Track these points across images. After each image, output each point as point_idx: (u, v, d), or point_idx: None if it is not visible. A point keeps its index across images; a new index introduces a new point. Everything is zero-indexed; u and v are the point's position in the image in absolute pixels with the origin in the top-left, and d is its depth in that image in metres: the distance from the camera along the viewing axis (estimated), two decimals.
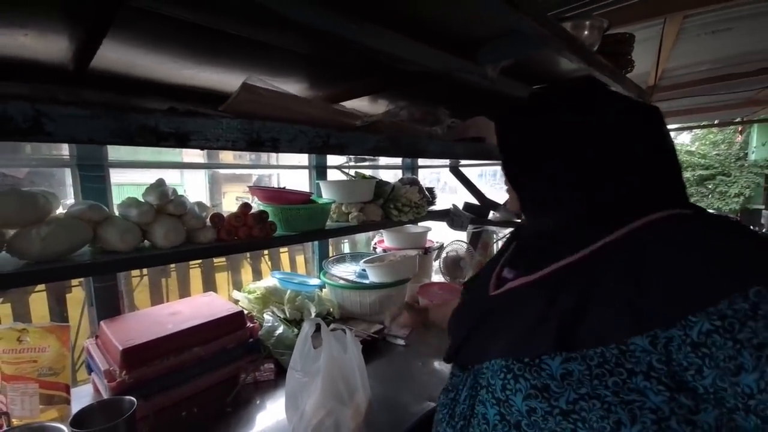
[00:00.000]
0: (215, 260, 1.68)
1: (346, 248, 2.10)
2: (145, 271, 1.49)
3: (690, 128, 7.08)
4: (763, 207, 6.76)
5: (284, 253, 1.98)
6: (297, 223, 1.17)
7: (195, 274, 1.64)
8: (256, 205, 1.15)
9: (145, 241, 0.94)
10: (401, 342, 1.30)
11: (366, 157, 1.66)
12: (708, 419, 0.41)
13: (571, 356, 0.45)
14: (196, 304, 1.17)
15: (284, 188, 1.15)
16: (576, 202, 0.54)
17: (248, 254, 1.85)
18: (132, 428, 0.81)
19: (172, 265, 1.57)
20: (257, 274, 1.82)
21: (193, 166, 1.34)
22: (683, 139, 8.57)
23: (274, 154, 1.59)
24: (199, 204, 1.02)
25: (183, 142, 0.47)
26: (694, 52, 2.17)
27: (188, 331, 1.00)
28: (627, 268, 0.46)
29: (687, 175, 7.82)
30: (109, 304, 1.08)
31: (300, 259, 1.98)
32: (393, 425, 0.90)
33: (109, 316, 1.07)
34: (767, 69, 2.28)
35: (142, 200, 0.94)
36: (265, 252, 1.88)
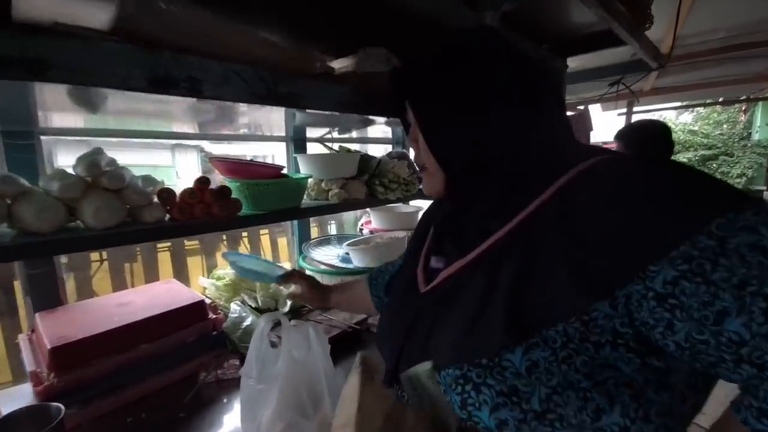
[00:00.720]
0: (187, 243, 1.53)
1: (333, 231, 1.96)
2: (104, 255, 1.34)
3: (693, 106, 6.88)
4: (765, 188, 6.65)
5: (265, 235, 1.83)
6: (266, 200, 1.02)
7: (164, 258, 1.49)
8: (225, 181, 1.00)
9: (78, 222, 0.79)
10: None
11: (352, 129, 1.50)
12: (681, 379, 0.38)
13: (533, 342, 0.39)
14: (152, 292, 1.03)
15: (251, 161, 1.00)
16: (499, 165, 0.48)
17: (224, 236, 1.70)
18: None
19: (138, 248, 1.43)
20: None
21: (146, 135, 1.18)
22: (685, 119, 8.36)
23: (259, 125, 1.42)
24: (146, 178, 0.87)
25: (36, 72, 0.32)
26: (711, 18, 2.00)
27: (137, 325, 0.86)
28: (564, 227, 0.40)
29: (689, 155, 7.67)
30: (45, 294, 0.94)
31: (282, 242, 1.84)
32: None
33: (48, 308, 0.93)
34: None
35: (72, 172, 0.79)
36: (244, 234, 1.74)
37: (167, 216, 0.87)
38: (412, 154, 1.82)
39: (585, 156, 0.45)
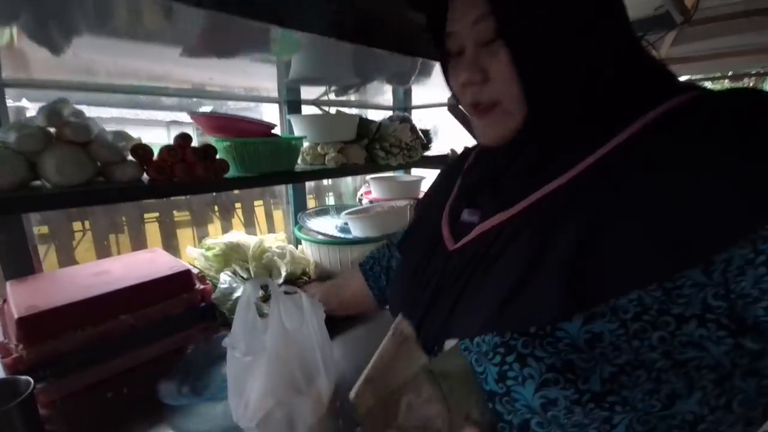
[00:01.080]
0: (176, 214, 1.45)
1: (331, 202, 1.87)
2: (87, 224, 1.26)
3: (702, 81, 6.70)
4: None
5: (259, 207, 1.74)
6: (255, 162, 0.93)
7: (152, 229, 1.41)
8: (214, 142, 0.91)
9: (44, 180, 0.70)
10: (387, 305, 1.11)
11: (350, 89, 1.39)
12: None
13: (596, 311, 0.32)
14: (133, 261, 0.95)
15: (237, 116, 0.90)
16: (592, 92, 0.39)
17: (216, 207, 1.62)
18: (29, 414, 0.62)
19: (123, 218, 1.34)
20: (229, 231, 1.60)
21: (129, 90, 1.07)
22: None
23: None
24: (117, 132, 0.78)
25: None
26: None
27: (114, 295, 0.78)
28: (653, 173, 0.33)
29: None
30: (16, 261, 0.86)
31: (278, 215, 1.75)
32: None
33: (20, 276, 0.86)
34: None
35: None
36: (238, 205, 1.65)
37: (145, 176, 0.79)
38: (417, 116, 1.71)
39: (676, 90, 0.37)
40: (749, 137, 0.30)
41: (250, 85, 1.34)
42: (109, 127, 0.78)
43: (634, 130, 0.36)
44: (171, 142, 0.81)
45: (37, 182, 0.71)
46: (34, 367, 0.69)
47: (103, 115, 1.14)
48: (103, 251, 1.28)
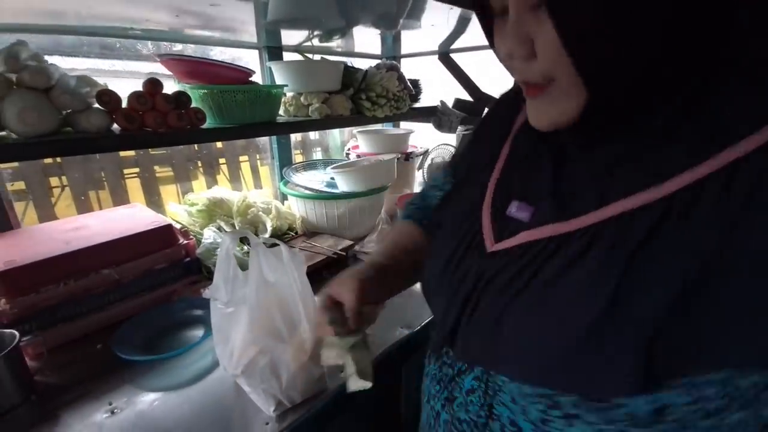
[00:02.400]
0: (158, 169, 1.40)
1: (318, 157, 1.83)
2: (64, 179, 1.22)
3: None
4: None
5: (245, 162, 1.70)
6: (234, 111, 0.89)
7: (134, 185, 1.37)
8: (188, 89, 0.85)
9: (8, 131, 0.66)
10: None
11: (334, 35, 1.30)
12: None
13: (671, 383, 0.26)
14: (112, 217, 0.93)
15: (212, 60, 0.84)
16: (645, 70, 0.28)
17: (199, 162, 1.57)
18: (16, 366, 0.63)
19: (102, 174, 1.30)
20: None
21: (95, 32, 0.99)
22: None
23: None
24: (80, 77, 0.73)
25: None
26: None
27: (93, 249, 0.77)
28: None
29: None
30: None
31: (264, 171, 1.71)
32: None
33: None
34: None
35: None
36: (222, 161, 1.60)
37: (114, 126, 0.75)
38: (407, 65, 1.63)
39: None
40: None
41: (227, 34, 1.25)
42: None
43: (749, 148, 0.25)
44: None
45: (2, 133, 0.67)
46: (18, 320, 0.69)
47: (77, 66, 1.06)
48: (83, 207, 1.25)
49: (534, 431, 0.33)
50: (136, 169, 1.38)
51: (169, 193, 1.48)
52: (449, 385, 0.40)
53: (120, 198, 1.32)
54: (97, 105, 0.72)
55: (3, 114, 0.63)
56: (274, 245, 0.59)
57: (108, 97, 0.72)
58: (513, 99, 0.49)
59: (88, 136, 0.68)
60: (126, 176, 1.37)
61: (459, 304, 0.37)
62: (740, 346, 0.25)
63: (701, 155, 0.27)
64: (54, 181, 1.28)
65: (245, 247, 1.01)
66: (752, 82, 0.27)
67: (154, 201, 1.36)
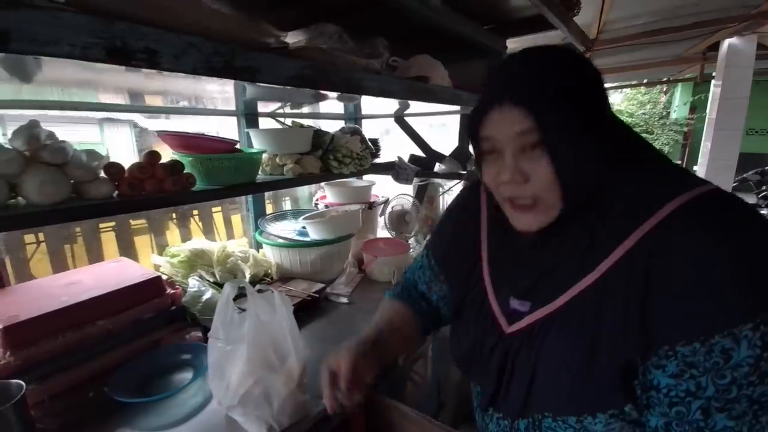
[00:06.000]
0: (133, 222, 1.47)
1: (288, 207, 1.96)
2: (41, 236, 1.27)
3: (622, 87, 7.46)
4: (679, 162, 7.46)
5: (218, 213, 1.79)
6: (220, 175, 1.02)
7: (108, 238, 1.43)
8: (179, 157, 0.98)
9: (19, 198, 0.76)
10: (344, 300, 1.24)
11: (304, 104, 1.50)
12: None
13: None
14: (101, 271, 1.01)
15: (202, 134, 0.99)
16: (612, 191, 0.46)
17: (174, 214, 1.65)
18: (22, 414, 0.68)
19: (78, 229, 1.35)
20: (188, 238, 1.64)
21: (75, 106, 1.11)
22: (615, 99, 9.05)
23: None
24: (89, 152, 0.84)
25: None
26: (633, 4, 2.19)
27: (88, 303, 0.85)
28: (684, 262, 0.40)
29: None
30: None
31: (236, 219, 1.81)
32: None
33: None
34: (697, 24, 2.37)
35: (8, 146, 0.75)
36: (195, 211, 1.69)
37: (116, 192, 0.86)
38: (368, 132, 1.85)
39: (676, 183, 0.44)
40: (726, 255, 0.39)
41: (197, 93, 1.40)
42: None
43: (655, 221, 0.42)
44: (104, 141, 0.87)
45: (13, 200, 0.76)
46: (20, 371, 0.75)
47: (27, 113, 1.12)
48: (58, 263, 1.29)
49: None
50: (112, 223, 1.44)
51: (143, 244, 1.53)
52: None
53: (94, 251, 1.37)
54: (103, 175, 0.83)
55: (22, 186, 0.73)
56: (261, 290, 0.72)
57: (114, 168, 0.83)
58: (473, 203, 0.66)
59: (98, 202, 0.79)
60: (101, 230, 1.43)
61: (495, 373, 0.54)
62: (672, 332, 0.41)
63: (628, 230, 0.44)
64: (29, 237, 1.32)
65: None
66: (644, 183, 0.46)
67: (129, 254, 1.42)
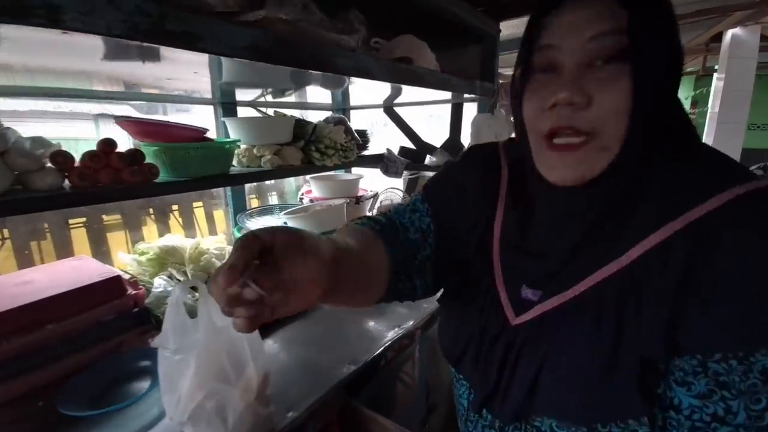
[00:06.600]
0: (105, 217, 1.40)
1: (274, 201, 1.89)
2: (6, 233, 1.19)
3: None
4: None
5: (199, 208, 1.72)
6: (188, 166, 0.94)
7: (79, 235, 1.35)
8: (142, 146, 0.90)
9: None
10: None
11: (286, 91, 1.42)
12: None
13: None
14: (59, 270, 0.93)
15: (166, 121, 0.91)
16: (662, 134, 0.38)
17: (151, 209, 1.57)
18: None
19: (45, 224, 1.28)
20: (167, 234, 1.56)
21: (46, 92, 1.03)
22: None
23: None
24: (34, 139, 0.76)
25: None
26: None
27: (38, 305, 0.77)
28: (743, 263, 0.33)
29: None
30: None
31: (219, 214, 1.73)
32: (312, 390, 0.78)
33: None
34: (700, 12, 2.29)
35: None
36: (175, 207, 1.62)
37: (66, 183, 0.78)
38: (356, 118, 1.77)
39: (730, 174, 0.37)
40: None
41: (184, 86, 1.33)
42: (28, 122, 0.76)
43: (705, 210, 0.35)
44: (100, 136, 0.80)
45: None
46: None
47: (20, 107, 1.07)
48: (24, 261, 1.21)
49: None
50: (83, 219, 1.37)
51: (117, 241, 1.46)
52: None
53: (64, 250, 1.29)
54: (50, 164, 0.75)
55: None
56: None
57: (62, 157, 0.76)
58: (494, 163, 0.53)
59: (43, 194, 0.71)
60: (71, 226, 1.35)
61: (496, 369, 0.45)
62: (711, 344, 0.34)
63: (669, 215, 0.36)
64: None
65: (196, 294, 1.03)
66: (691, 166, 0.38)
67: (101, 251, 1.34)
